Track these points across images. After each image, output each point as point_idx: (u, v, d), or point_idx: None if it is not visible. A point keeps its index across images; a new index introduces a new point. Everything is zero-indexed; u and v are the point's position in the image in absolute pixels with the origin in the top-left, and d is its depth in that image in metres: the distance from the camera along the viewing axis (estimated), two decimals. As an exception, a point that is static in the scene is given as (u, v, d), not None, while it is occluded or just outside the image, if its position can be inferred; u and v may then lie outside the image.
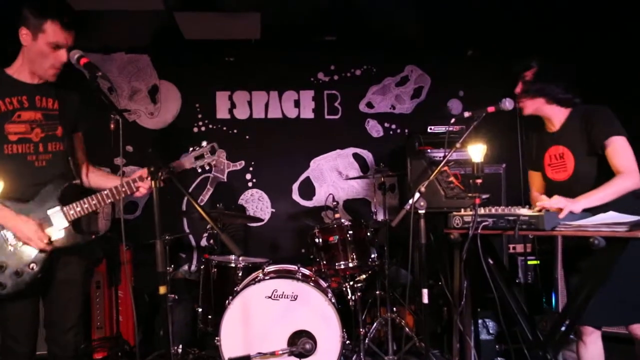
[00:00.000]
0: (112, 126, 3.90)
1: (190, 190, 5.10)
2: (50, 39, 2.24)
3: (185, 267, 5.13)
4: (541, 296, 4.29)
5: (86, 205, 2.35)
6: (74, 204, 2.33)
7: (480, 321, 3.57)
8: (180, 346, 3.73)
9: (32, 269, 2.24)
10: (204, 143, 2.51)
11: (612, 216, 2.29)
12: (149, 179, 2.23)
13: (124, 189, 2.39)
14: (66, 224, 2.31)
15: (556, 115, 2.67)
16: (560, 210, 2.34)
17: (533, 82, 2.63)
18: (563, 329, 2.53)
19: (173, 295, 3.82)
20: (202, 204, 5.07)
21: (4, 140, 2.27)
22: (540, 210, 2.37)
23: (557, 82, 2.61)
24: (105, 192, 2.38)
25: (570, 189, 2.56)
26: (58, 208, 2.31)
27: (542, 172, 2.78)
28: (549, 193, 2.73)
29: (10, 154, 2.27)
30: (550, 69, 2.63)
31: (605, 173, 2.49)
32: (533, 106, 2.67)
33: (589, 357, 2.59)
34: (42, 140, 2.34)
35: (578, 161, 2.58)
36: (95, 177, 2.64)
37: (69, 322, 2.41)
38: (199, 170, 2.53)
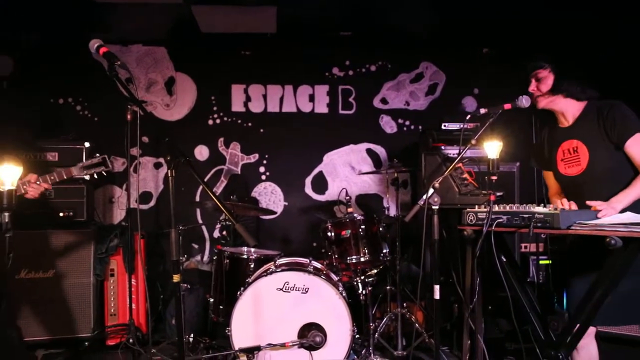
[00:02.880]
0: (129, 117, 3.96)
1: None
2: None
3: (198, 257, 5.17)
4: (552, 296, 4.27)
5: None
6: None
7: (490, 319, 3.56)
8: (192, 335, 3.78)
9: None
10: (97, 155, 2.98)
11: (629, 216, 2.28)
12: (39, 183, 2.75)
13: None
14: None
15: (570, 109, 2.66)
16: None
17: (551, 80, 2.62)
18: (576, 329, 2.51)
19: (185, 285, 3.86)
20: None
21: None
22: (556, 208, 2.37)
23: (572, 78, 2.61)
24: None
25: (583, 183, 2.56)
26: None
27: (554, 170, 2.76)
28: (562, 189, 2.74)
29: None
30: (563, 67, 2.63)
31: (620, 167, 2.49)
32: (547, 100, 2.66)
33: None
34: None
35: (592, 155, 2.56)
36: None
37: None
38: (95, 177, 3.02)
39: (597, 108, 2.58)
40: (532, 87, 2.67)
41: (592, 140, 2.56)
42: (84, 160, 2.97)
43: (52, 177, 2.82)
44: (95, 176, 2.95)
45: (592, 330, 2.53)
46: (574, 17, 4.40)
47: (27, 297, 3.86)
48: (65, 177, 2.88)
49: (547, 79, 2.63)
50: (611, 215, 2.32)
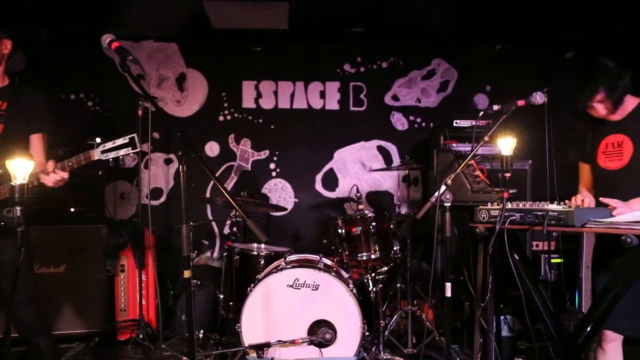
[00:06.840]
0: (140, 112, 3.96)
1: (214, 178, 5.14)
2: None
3: (208, 253, 5.18)
4: (564, 295, 4.24)
5: None
6: None
7: (501, 317, 3.53)
8: (202, 331, 3.79)
9: None
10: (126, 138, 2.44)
11: (644, 214, 2.24)
12: (55, 172, 2.47)
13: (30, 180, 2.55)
14: None
15: (624, 104, 2.53)
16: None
17: (611, 97, 2.47)
18: (589, 329, 2.48)
19: (195, 281, 3.86)
20: (225, 192, 5.10)
21: None
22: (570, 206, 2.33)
23: (625, 77, 2.47)
24: None
25: (621, 179, 2.50)
26: None
27: (593, 162, 2.67)
28: (598, 183, 2.67)
29: None
30: (613, 77, 2.47)
31: None
32: (620, 112, 2.54)
33: None
34: None
35: (637, 151, 2.47)
36: None
37: (17, 300, 2.49)
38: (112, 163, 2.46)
39: None
40: (601, 111, 2.52)
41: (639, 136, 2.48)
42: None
43: (70, 164, 2.48)
44: (121, 159, 2.57)
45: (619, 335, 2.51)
46: (587, 12, 4.34)
47: (37, 292, 3.88)
48: (83, 163, 2.49)
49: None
50: (627, 213, 2.29)
